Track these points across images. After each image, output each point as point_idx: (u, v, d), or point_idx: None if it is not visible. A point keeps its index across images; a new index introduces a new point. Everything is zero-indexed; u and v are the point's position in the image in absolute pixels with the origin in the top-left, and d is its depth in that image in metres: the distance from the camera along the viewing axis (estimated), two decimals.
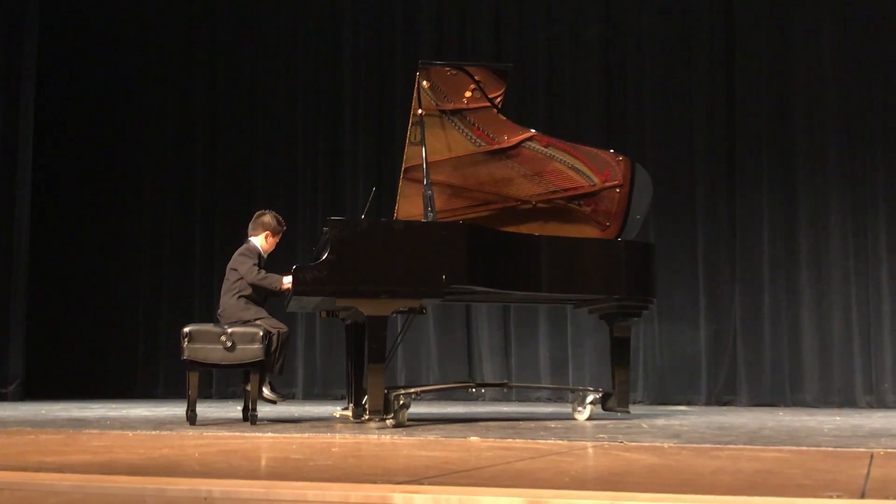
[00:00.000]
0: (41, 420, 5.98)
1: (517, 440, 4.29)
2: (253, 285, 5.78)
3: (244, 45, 10.61)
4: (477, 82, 5.77)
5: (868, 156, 8.42)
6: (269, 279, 5.75)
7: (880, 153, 8.38)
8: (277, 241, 6.06)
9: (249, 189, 10.21)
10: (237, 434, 4.78)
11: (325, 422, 5.81)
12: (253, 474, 3.03)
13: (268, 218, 6.00)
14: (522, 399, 9.08)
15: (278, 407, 6.89)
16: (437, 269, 5.20)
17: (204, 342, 5.41)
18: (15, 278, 9.33)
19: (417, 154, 5.67)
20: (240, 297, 5.78)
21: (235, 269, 5.84)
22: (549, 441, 4.26)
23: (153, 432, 4.87)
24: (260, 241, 5.96)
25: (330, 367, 9.60)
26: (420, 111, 5.68)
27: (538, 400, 8.99)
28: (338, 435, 4.72)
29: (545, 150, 6.00)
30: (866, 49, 8.49)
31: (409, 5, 10.04)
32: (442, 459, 3.44)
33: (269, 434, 4.74)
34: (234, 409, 6.96)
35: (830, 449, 3.90)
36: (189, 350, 5.40)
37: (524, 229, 5.99)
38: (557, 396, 8.82)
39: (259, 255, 5.89)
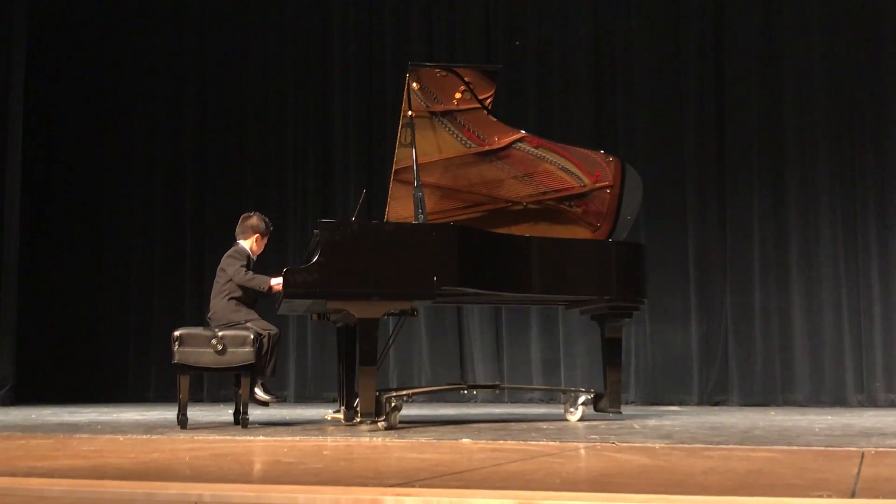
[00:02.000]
0: (31, 425, 5.96)
1: (509, 442, 4.29)
2: (241, 287, 5.77)
3: (233, 47, 10.59)
4: (467, 83, 5.77)
5: (858, 156, 8.43)
6: (256, 280, 5.73)
7: (870, 153, 8.40)
8: (265, 242, 6.04)
9: (239, 192, 10.18)
10: (228, 438, 4.77)
11: (316, 425, 5.80)
12: (244, 478, 3.02)
13: (255, 220, 5.99)
14: (514, 400, 9.08)
15: (270, 410, 6.88)
16: (428, 271, 5.20)
17: (195, 346, 5.41)
18: (5, 282, 9.29)
19: (408, 156, 5.67)
20: (230, 299, 5.77)
21: (224, 271, 5.83)
22: (540, 442, 4.26)
23: (144, 436, 4.86)
24: (248, 243, 5.95)
25: (321, 369, 9.59)
26: (410, 113, 5.68)
27: (530, 401, 8.99)
28: (329, 438, 4.72)
29: (535, 151, 6.00)
30: (855, 49, 8.51)
31: (399, 7, 10.03)
32: (433, 461, 3.43)
33: (261, 437, 4.73)
34: (226, 413, 6.95)
35: (821, 448, 3.91)
36: (180, 354, 5.39)
37: (515, 230, 6.00)
38: (549, 398, 8.82)
39: (248, 257, 5.88)
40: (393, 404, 5.26)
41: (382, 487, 2.63)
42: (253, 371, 5.51)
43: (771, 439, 4.40)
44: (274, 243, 6.24)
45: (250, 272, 5.79)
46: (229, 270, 5.79)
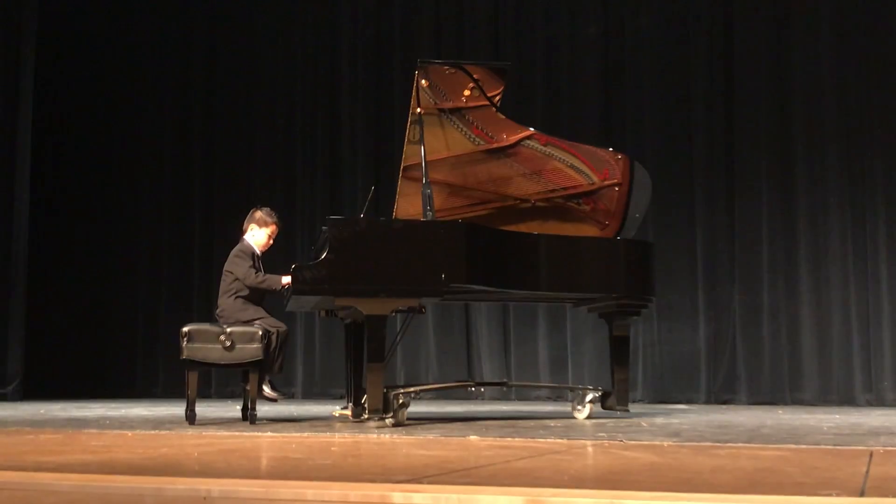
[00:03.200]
0: (40, 420, 5.98)
1: (516, 439, 4.29)
2: (253, 288, 5.76)
3: (242, 44, 10.61)
4: (476, 81, 5.77)
5: (867, 154, 8.41)
6: (268, 281, 5.72)
7: (879, 152, 8.37)
8: (273, 236, 6.03)
9: (248, 188, 10.20)
10: (236, 433, 4.78)
11: (324, 421, 5.80)
12: (252, 474, 3.03)
13: (260, 214, 5.99)
14: (522, 398, 9.08)
15: (277, 406, 6.89)
16: (436, 268, 5.20)
17: (203, 342, 5.41)
18: (14, 278, 9.33)
19: (416, 153, 5.67)
20: (237, 297, 5.77)
21: (231, 272, 5.82)
22: (548, 440, 4.26)
23: (152, 432, 4.87)
24: (254, 238, 5.94)
25: (329, 366, 9.60)
26: (419, 110, 5.68)
27: (537, 399, 8.98)
28: (337, 434, 4.72)
29: (544, 148, 6.00)
30: (865, 48, 8.48)
31: (408, 4, 10.03)
32: (441, 458, 3.43)
33: (269, 433, 4.74)
34: (234, 409, 6.96)
35: (830, 447, 3.90)
36: (188, 349, 5.40)
37: (523, 228, 5.99)
38: (557, 395, 8.82)
39: (254, 255, 5.87)
40: (401, 401, 5.26)
41: (391, 484, 2.63)
42: (261, 367, 5.51)
43: (779, 438, 4.39)
44: (282, 240, 6.24)
45: (260, 273, 5.78)
46: (238, 272, 5.77)
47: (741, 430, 4.90)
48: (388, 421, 5.18)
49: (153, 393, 10.15)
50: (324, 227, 5.38)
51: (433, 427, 5.16)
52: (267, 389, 5.74)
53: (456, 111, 5.87)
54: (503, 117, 5.90)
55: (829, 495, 2.41)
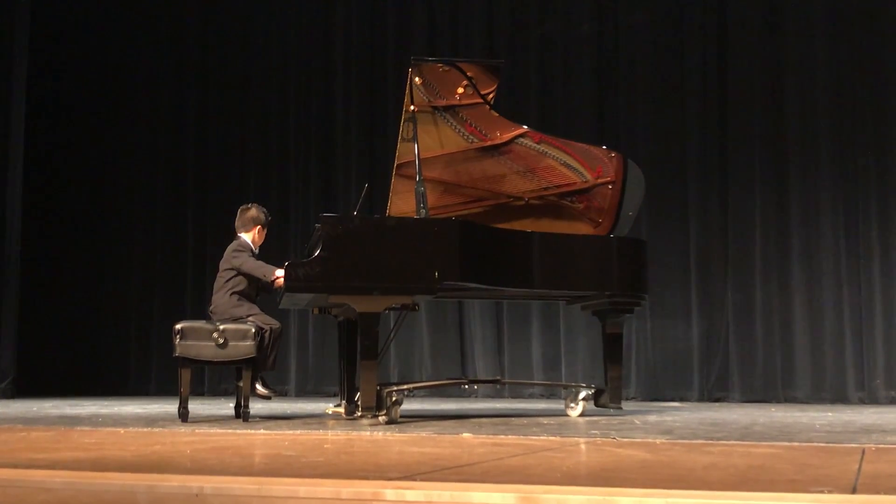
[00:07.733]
0: (32, 417, 5.97)
1: (509, 436, 4.29)
2: (250, 274, 5.76)
3: (236, 42, 10.59)
4: (469, 79, 5.77)
5: (860, 153, 8.42)
6: (265, 267, 5.73)
7: (872, 150, 8.39)
8: (265, 234, 6.05)
9: (241, 186, 10.18)
10: (229, 431, 4.77)
11: (317, 418, 5.80)
12: (245, 471, 3.02)
13: (254, 212, 6.00)
14: (515, 396, 9.08)
15: (270, 404, 6.89)
16: (430, 266, 5.20)
17: (196, 339, 5.41)
18: (7, 275, 9.30)
19: (410, 151, 5.67)
20: (232, 293, 5.78)
21: (229, 269, 5.82)
22: (541, 437, 4.26)
23: (145, 429, 4.86)
24: (249, 236, 5.95)
25: (322, 363, 9.59)
26: (412, 107, 5.68)
27: (531, 396, 8.99)
28: (330, 431, 4.72)
29: (538, 146, 6.00)
30: (858, 47, 8.50)
31: (402, 1, 10.02)
32: (434, 455, 3.44)
33: (262, 431, 4.73)
34: (227, 406, 6.95)
35: (822, 444, 3.91)
36: (181, 347, 5.40)
37: (517, 226, 5.99)
38: (550, 393, 8.83)
39: (250, 250, 5.89)
40: (394, 398, 5.26)
41: (383, 481, 2.63)
42: (254, 365, 5.51)
43: (772, 435, 4.40)
44: (276, 237, 6.25)
45: (259, 261, 5.81)
46: (235, 262, 5.79)
47: (734, 428, 4.91)
48: (382, 418, 5.18)
49: (146, 390, 10.13)
50: (317, 225, 5.38)
51: (426, 424, 5.16)
52: (259, 387, 5.74)
53: (449, 109, 5.87)
54: (497, 115, 5.91)
55: (821, 492, 2.42)
